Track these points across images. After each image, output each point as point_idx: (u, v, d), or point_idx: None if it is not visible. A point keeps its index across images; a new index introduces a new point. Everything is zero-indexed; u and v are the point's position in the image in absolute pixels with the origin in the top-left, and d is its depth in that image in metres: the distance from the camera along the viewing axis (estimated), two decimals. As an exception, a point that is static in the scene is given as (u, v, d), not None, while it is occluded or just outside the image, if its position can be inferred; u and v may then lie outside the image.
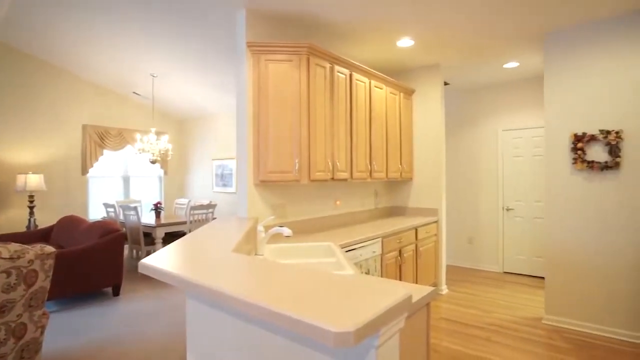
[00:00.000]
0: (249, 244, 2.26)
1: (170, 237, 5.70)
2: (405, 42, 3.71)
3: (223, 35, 3.88)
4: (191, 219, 5.47)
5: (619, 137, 3.18)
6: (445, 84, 5.33)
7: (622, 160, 3.19)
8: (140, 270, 1.39)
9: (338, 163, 3.30)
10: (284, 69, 2.91)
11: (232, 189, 7.38)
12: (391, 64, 4.48)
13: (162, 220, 5.51)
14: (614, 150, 3.20)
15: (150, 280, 4.92)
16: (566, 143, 3.45)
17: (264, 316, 0.90)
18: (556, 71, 3.50)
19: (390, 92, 4.18)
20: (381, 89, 3.99)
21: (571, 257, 3.42)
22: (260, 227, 2.28)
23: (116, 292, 4.31)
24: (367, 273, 3.09)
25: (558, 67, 3.49)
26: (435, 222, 4.43)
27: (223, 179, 7.58)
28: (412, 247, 3.88)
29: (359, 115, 3.61)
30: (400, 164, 4.39)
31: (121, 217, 5.79)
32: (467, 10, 3.03)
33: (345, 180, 3.42)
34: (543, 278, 4.83)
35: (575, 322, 3.39)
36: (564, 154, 3.46)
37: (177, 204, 7.14)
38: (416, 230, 3.96)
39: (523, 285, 4.75)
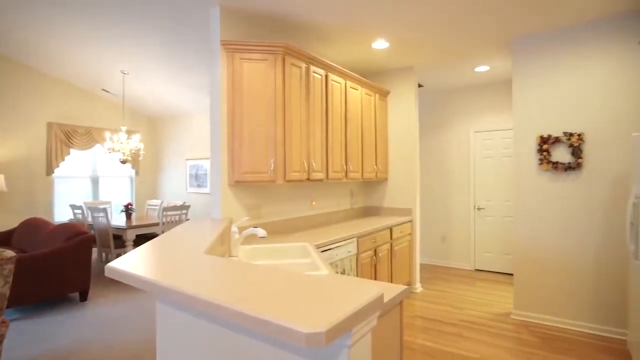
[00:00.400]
0: (222, 245, 2.22)
1: (142, 240, 5.53)
2: (380, 44, 3.75)
3: (197, 33, 3.80)
4: (164, 220, 5.33)
5: (581, 140, 3.34)
6: (420, 86, 5.43)
7: (583, 161, 3.35)
8: (107, 274, 1.34)
9: (314, 163, 3.30)
10: (259, 69, 2.88)
11: (207, 190, 7.25)
12: (367, 66, 4.52)
13: (133, 222, 5.34)
14: (577, 151, 3.36)
15: (120, 285, 4.75)
16: (533, 145, 3.59)
17: (235, 319, 0.88)
18: (523, 75, 3.64)
19: (366, 93, 4.22)
20: (357, 90, 4.02)
21: (537, 255, 3.56)
22: (234, 228, 2.25)
23: (83, 298, 4.14)
24: (343, 273, 3.10)
25: (525, 71, 3.63)
26: (410, 221, 4.50)
27: (198, 179, 7.44)
28: (387, 246, 3.93)
29: (334, 115, 3.62)
30: (376, 164, 4.44)
31: (89, 219, 5.57)
32: (439, 15, 3.10)
33: (321, 180, 3.42)
34: (512, 275, 5.01)
35: (541, 316, 3.54)
36: (531, 155, 3.60)
37: (149, 205, 6.94)
38: (391, 229, 4.01)
39: (493, 282, 4.91)
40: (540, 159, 3.52)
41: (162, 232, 5.24)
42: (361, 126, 4.12)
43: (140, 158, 7.51)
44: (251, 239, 2.89)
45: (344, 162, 3.78)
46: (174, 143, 7.82)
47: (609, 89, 3.25)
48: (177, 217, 5.55)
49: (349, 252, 3.21)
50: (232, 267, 1.29)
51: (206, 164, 7.26)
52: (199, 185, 7.42)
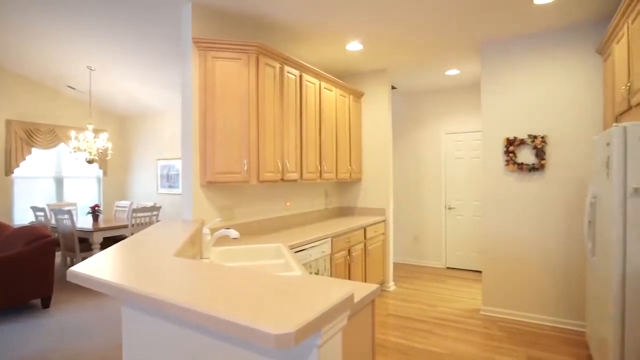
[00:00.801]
0: (194, 247, 2.18)
1: (109, 243, 5.33)
2: (354, 45, 3.79)
3: (169, 30, 3.71)
4: (133, 222, 5.17)
5: (544, 142, 3.50)
6: (393, 88, 5.53)
7: (546, 162, 3.51)
8: (69, 278, 1.29)
9: (288, 164, 3.29)
10: (232, 67, 2.84)
11: (179, 190, 7.08)
12: (341, 67, 4.56)
13: (101, 224, 5.15)
14: (540, 153, 3.51)
15: (86, 291, 4.56)
16: (500, 146, 3.73)
17: (204, 321, 0.87)
18: (491, 80, 3.78)
19: (340, 95, 4.25)
20: (331, 90, 4.04)
21: (504, 252, 3.70)
22: (206, 230, 2.21)
23: (46, 305, 3.94)
24: (317, 273, 3.11)
25: (492, 76, 3.77)
26: (383, 221, 4.57)
27: (169, 179, 7.25)
28: (361, 246, 3.97)
29: (309, 116, 3.63)
30: (350, 164, 4.48)
31: (53, 221, 5.31)
32: (411, 20, 3.17)
33: (295, 181, 3.42)
34: (481, 272, 5.17)
35: (508, 311, 3.68)
36: (498, 156, 3.74)
37: (117, 206, 6.70)
38: (365, 229, 4.06)
39: (463, 280, 5.06)
40: (507, 160, 3.66)
41: (132, 235, 5.08)
42: (335, 127, 4.15)
43: (108, 158, 7.24)
44: (224, 240, 2.85)
45: (318, 162, 3.79)
46: (145, 142, 7.59)
47: (570, 94, 3.42)
48: (148, 218, 5.38)
49: (323, 252, 3.22)
50: (202, 269, 1.27)
51: (178, 164, 7.09)
52: (170, 186, 7.23)
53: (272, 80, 3.10)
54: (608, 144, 2.22)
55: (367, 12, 3.05)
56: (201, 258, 2.20)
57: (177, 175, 7.14)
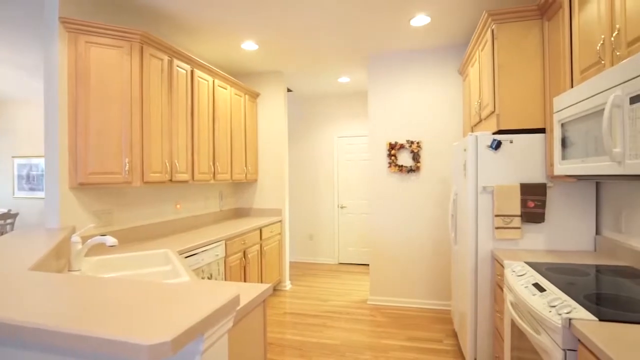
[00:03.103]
0: (60, 259, 1.89)
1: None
2: (249, 45, 3.75)
3: (32, 5, 3.14)
4: (-23, 233, 4.24)
5: (419, 147, 3.98)
6: (289, 90, 5.64)
7: (421, 164, 3.99)
8: None
9: (177, 164, 3.09)
10: (110, 56, 2.55)
11: (43, 194, 6.04)
12: (237, 66, 4.47)
13: None
14: (416, 157, 3.98)
15: None
16: (384, 150, 4.11)
17: (64, 342, 0.76)
18: (376, 89, 4.14)
19: (235, 93, 4.16)
20: (225, 89, 3.93)
21: (388, 246, 4.09)
22: (75, 238, 1.94)
23: None
24: (210, 278, 2.99)
25: (378, 85, 4.13)
26: (280, 221, 4.62)
27: (30, 181, 6.15)
28: (257, 247, 3.95)
29: (201, 114, 3.47)
30: (246, 165, 4.42)
31: None
32: (303, 26, 3.28)
33: (186, 182, 3.23)
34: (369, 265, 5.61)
35: (392, 299, 4.07)
36: (382, 159, 4.11)
37: (-46, 214, 5.40)
38: (261, 230, 4.05)
39: (354, 274, 5.42)
40: (389, 163, 4.06)
41: (-25, 248, 4.16)
42: (230, 127, 4.05)
43: (-60, 154, 5.79)
44: (101, 249, 2.54)
45: (211, 162, 3.65)
46: (-5, 136, 6.29)
47: (439, 106, 3.95)
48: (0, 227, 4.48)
49: (217, 255, 3.11)
50: (68, 284, 1.11)
51: (43, 163, 6.05)
52: (32, 189, 6.14)
53: (159, 73, 2.87)
54: (465, 150, 2.63)
55: (262, 11, 3.05)
56: (69, 270, 1.93)
57: (41, 176, 6.09)
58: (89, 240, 1.94)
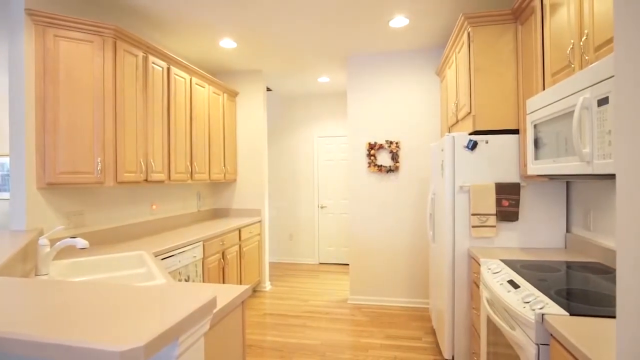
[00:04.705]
0: (26, 263, 1.81)
1: None
2: (227, 42, 3.70)
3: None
4: (-64, 236, 3.99)
5: (398, 147, 4.02)
6: (268, 89, 5.59)
7: (400, 164, 4.04)
8: None
9: (153, 163, 3.01)
10: (82, 51, 2.45)
11: (8, 195, 5.76)
12: (215, 64, 4.39)
13: None
14: (395, 157, 4.02)
15: None
16: (363, 150, 4.13)
17: (28, 351, 0.72)
18: (355, 89, 4.16)
19: (214, 92, 4.09)
20: (203, 87, 3.86)
21: (367, 245, 4.12)
22: (43, 241, 1.85)
23: None
24: (187, 280, 2.93)
25: (357, 85, 4.15)
26: (259, 222, 4.58)
27: (-5, 181, 5.84)
28: (236, 248, 3.90)
29: (178, 112, 3.39)
30: (224, 165, 4.35)
31: None
32: (282, 24, 3.25)
33: (162, 182, 3.15)
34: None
35: (371, 298, 4.10)
36: (362, 159, 4.14)
37: None
38: (240, 231, 4.00)
39: (334, 273, 5.43)
40: (369, 162, 4.08)
41: None
42: (208, 126, 3.97)
43: None
44: (71, 252, 2.44)
45: (189, 162, 3.57)
46: (-44, 134, 5.94)
47: (417, 107, 4.01)
48: (-40, 231, 4.23)
49: (195, 257, 3.05)
50: (33, 288, 1.06)
51: (8, 162, 5.77)
52: (-3, 189, 5.83)
53: (134, 70, 2.79)
54: (442, 150, 2.68)
55: (240, 8, 3.00)
56: (37, 275, 1.84)
57: (7, 176, 5.81)
58: (57, 243, 1.85)
